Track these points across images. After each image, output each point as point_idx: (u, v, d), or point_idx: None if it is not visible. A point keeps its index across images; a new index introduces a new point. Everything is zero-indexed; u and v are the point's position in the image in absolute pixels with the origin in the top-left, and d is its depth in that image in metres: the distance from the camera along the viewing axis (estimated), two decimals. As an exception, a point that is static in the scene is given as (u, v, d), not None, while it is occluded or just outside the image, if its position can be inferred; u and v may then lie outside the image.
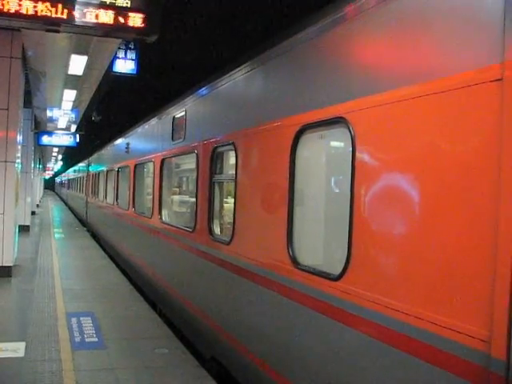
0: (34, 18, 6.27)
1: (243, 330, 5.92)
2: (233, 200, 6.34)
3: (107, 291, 11.19)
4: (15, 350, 7.04)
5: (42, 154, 42.53)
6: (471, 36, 3.00)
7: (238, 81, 6.50)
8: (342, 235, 4.07)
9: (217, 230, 7.23)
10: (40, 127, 25.13)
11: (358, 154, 3.92)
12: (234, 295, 6.23)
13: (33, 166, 25.65)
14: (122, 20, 6.48)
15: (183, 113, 8.72)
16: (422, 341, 3.17)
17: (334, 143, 4.84)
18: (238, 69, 6.40)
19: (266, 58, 5.73)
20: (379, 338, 3.56)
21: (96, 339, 7.73)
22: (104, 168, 20.18)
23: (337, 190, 4.60)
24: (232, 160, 6.68)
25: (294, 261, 4.75)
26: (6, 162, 12.12)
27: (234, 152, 6.33)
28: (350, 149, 3.99)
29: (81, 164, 35.78)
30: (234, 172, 6.25)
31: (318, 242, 5.07)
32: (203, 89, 7.84)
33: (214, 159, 7.09)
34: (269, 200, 5.47)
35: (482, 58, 2.88)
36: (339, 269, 4.04)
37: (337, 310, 4.06)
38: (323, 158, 5.14)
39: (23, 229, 20.50)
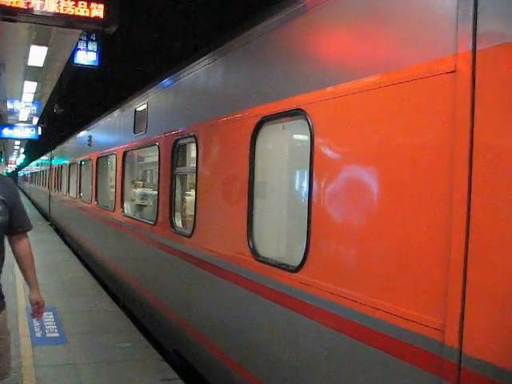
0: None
1: (205, 322, 5.92)
2: (194, 192, 6.34)
3: (69, 286, 11.06)
4: (-27, 346, 6.90)
5: (3, 147, 41.72)
6: (426, 28, 3.02)
7: (198, 73, 6.47)
8: (300, 227, 4.07)
9: (178, 222, 7.22)
10: (1, 120, 24.64)
11: (315, 146, 3.93)
12: (196, 288, 6.22)
13: (-6, 159, 25.18)
14: (81, 10, 6.38)
15: (145, 105, 8.66)
16: (378, 330, 3.22)
17: (293, 135, 4.84)
18: (199, 60, 6.36)
19: (226, 50, 5.71)
20: (337, 328, 3.60)
21: (57, 334, 7.64)
22: (66, 161, 19.89)
23: (296, 182, 4.62)
24: (193, 152, 6.66)
25: (254, 252, 4.76)
26: (-36, 155, 11.87)
27: (194, 144, 6.32)
28: (309, 141, 4.01)
29: (43, 157, 35.18)
30: (195, 164, 6.23)
31: (278, 234, 5.07)
32: (164, 81, 7.80)
33: (175, 151, 7.05)
34: (229, 192, 5.46)
35: (436, 50, 2.90)
36: (298, 260, 4.05)
37: (296, 301, 4.08)
38: (283, 151, 5.14)
39: (-16, 223, 20.06)
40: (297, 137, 4.59)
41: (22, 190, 69.95)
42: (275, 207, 5.17)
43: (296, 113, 4.20)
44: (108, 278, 11.25)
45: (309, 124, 3.99)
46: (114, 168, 11.05)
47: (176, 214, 7.21)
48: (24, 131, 23.67)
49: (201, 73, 6.40)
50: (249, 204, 4.86)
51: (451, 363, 2.68)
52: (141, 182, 10.62)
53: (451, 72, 2.76)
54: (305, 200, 4.02)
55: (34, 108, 20.19)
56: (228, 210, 5.45)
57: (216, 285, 5.59)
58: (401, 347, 3.04)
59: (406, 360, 3.01)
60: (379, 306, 3.20)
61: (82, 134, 16.34)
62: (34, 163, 49.96)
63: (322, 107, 3.87)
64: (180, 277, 6.74)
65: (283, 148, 5.17)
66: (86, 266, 13.71)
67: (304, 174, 4.12)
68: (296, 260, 4.11)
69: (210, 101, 6.08)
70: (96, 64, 13.16)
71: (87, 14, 6.42)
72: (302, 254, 4.00)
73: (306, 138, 4.10)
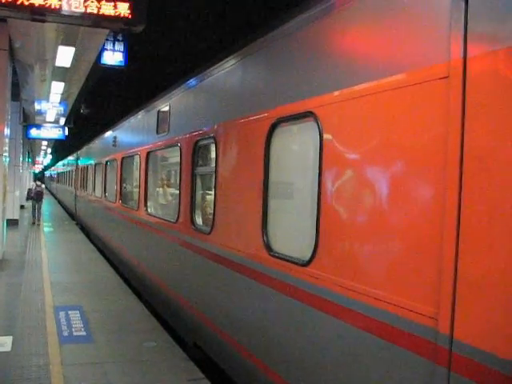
0: (20, 6, 6.17)
1: (223, 316, 6.09)
2: (213, 191, 6.54)
3: (96, 284, 11.13)
4: (2, 344, 6.98)
5: (31, 147, 42.26)
6: (423, 36, 3.24)
7: (217, 76, 6.67)
8: (311, 224, 4.29)
9: (198, 220, 7.40)
10: (28, 120, 24.95)
11: (324, 148, 4.14)
12: (215, 283, 6.40)
13: (21, 159, 25.49)
14: (108, 10, 6.40)
15: (167, 107, 8.90)
16: (380, 320, 3.44)
17: (305, 136, 4.90)
18: (218, 64, 6.61)
19: (243, 54, 5.92)
20: (343, 318, 3.82)
21: (84, 333, 7.68)
22: (92, 161, 20.14)
23: (307, 182, 4.70)
24: (212, 153, 6.85)
25: (269, 248, 4.98)
26: (-7, 155, 12.03)
27: (214, 145, 6.52)
28: (318, 142, 4.20)
29: (70, 157, 35.63)
30: (214, 164, 6.44)
31: (290, 231, 5.19)
32: (186, 83, 8.02)
33: (196, 152, 7.29)
34: (245, 191, 5.63)
35: (431, 57, 3.11)
36: (308, 255, 4.27)
37: (306, 293, 4.30)
38: (295, 151, 5.26)
39: (12, 223, 20.38)
40: (308, 137, 4.66)
41: (49, 190, 70.89)
42: (288, 205, 5.32)
43: (307, 115, 4.42)
44: (131, 275, 11.44)
45: (318, 125, 4.21)
46: (137, 168, 11.28)
47: (196, 212, 7.44)
48: (51, 131, 23.90)
49: (220, 76, 6.60)
50: (263, 202, 5.11)
51: (444, 349, 2.90)
52: (163, 182, 10.80)
53: (444, 78, 2.98)
54: (315, 198, 4.24)
55: (61, 108, 20.39)
56: (244, 208, 5.65)
57: (232, 280, 5.81)
58: (399, 334, 3.27)
59: (404, 346, 3.23)
60: (381, 297, 3.43)
61: (107, 134, 16.63)
62: (60, 163, 50.59)
63: (330, 110, 4.11)
64: (199, 272, 6.95)
65: (295, 149, 5.29)
66: (112, 264, 13.80)
67: (313, 174, 4.32)
68: (306, 255, 4.33)
69: (229, 103, 6.29)
70: (123, 64, 13.20)
71: (114, 14, 6.43)
72: (312, 249, 4.22)
73: (315, 139, 4.27)
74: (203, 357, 6.80)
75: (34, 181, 30.27)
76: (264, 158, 5.10)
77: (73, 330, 7.80)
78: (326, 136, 4.13)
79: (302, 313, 4.36)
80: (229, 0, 16.13)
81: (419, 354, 3.10)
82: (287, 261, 4.63)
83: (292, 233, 5.10)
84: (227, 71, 6.35)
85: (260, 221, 5.12)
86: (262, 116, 5.24)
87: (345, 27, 4.08)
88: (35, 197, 25.07)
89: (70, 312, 8.65)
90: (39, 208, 25.50)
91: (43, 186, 30.16)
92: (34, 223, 24.43)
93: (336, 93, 4.02)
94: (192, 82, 7.74)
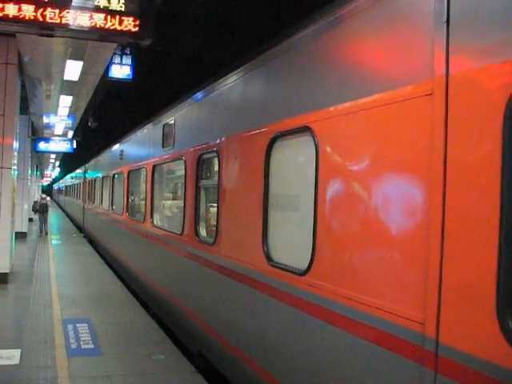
0: (29, 22, 6.25)
1: (225, 325, 6.21)
2: (216, 204, 6.71)
3: (103, 297, 11.13)
4: (10, 357, 6.98)
5: (39, 160, 42.47)
6: (410, 56, 3.45)
7: (219, 91, 6.88)
8: (309, 234, 4.44)
9: (203, 232, 7.55)
10: (37, 134, 25.09)
11: (320, 161, 4.33)
12: (218, 293, 6.52)
13: (30, 172, 25.62)
14: (116, 24, 6.46)
15: (172, 121, 9.12)
16: (373, 326, 3.58)
17: (303, 150, 5.02)
18: (219, 81, 6.85)
19: (243, 71, 6.12)
20: (339, 325, 3.96)
21: (92, 346, 7.68)
22: (100, 174, 20.27)
23: (305, 194, 4.80)
24: (215, 166, 7.02)
25: (269, 258, 5.15)
26: (2, 168, 12.10)
27: (217, 159, 6.71)
28: (314, 155, 4.39)
29: (78, 170, 35.81)
30: (217, 177, 6.64)
31: (289, 242, 5.31)
32: (189, 98, 8.25)
33: (200, 165, 7.50)
34: (247, 203, 5.81)
35: (418, 75, 3.32)
36: (306, 265, 4.43)
37: (304, 301, 4.47)
38: (294, 165, 5.39)
39: (20, 235, 20.45)
40: (305, 151, 4.81)
41: (57, 203, 71.17)
42: (287, 216, 5.48)
43: (304, 130, 4.61)
44: (139, 287, 11.51)
45: (314, 140, 4.41)
46: (144, 181, 11.48)
47: (200, 223, 7.61)
48: (59, 145, 24.02)
49: (221, 91, 6.83)
50: (264, 213, 5.30)
51: (430, 352, 3.05)
52: (169, 195, 10.97)
53: (429, 94, 3.18)
54: (311, 210, 4.39)
55: (70, 122, 20.52)
56: (246, 220, 5.83)
57: (235, 289, 5.97)
58: (390, 339, 3.42)
59: (396, 351, 3.37)
60: (374, 304, 3.58)
61: (114, 148, 16.83)
62: (68, 176, 50.82)
63: (325, 125, 4.31)
64: (203, 282, 7.11)
65: (293, 162, 5.42)
66: (119, 277, 13.81)
67: (310, 187, 4.47)
68: (304, 265, 4.48)
69: (231, 118, 6.52)
70: (130, 78, 13.30)
71: (122, 28, 6.50)
72: (309, 259, 4.38)
73: (312, 152, 4.44)
74: (209, 366, 6.82)
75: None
76: (264, 172, 5.29)
77: (81, 342, 7.80)
78: (321, 149, 4.33)
79: (300, 320, 4.52)
80: (235, 14, 16.23)
81: (409, 357, 3.24)
82: (285, 270, 4.80)
83: (291, 243, 5.22)
84: (229, 87, 6.56)
85: (260, 231, 5.29)
86: (261, 131, 5.44)
87: (337, 48, 4.33)
88: (40, 209, 25.46)
89: (78, 325, 8.64)
90: (45, 219, 25.99)
91: (48, 198, 30.62)
92: (41, 235, 25.07)
93: (330, 109, 4.23)
94: (195, 97, 7.97)
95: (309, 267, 4.39)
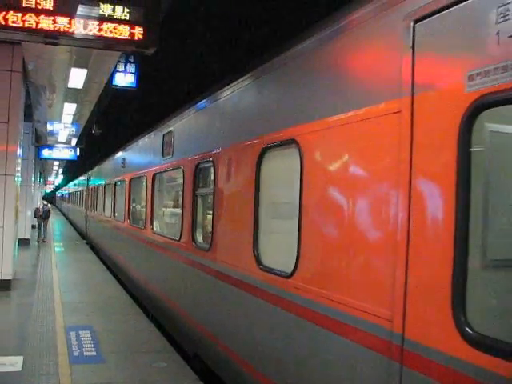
0: (34, 30, 6.29)
1: (220, 327, 6.45)
2: (211, 211, 7.03)
3: (106, 304, 11.14)
4: (13, 364, 6.98)
5: (42, 167, 42.57)
6: (383, 77, 3.75)
7: (215, 104, 7.21)
8: (295, 239, 4.73)
9: (199, 238, 7.88)
10: (41, 141, 25.17)
11: (304, 171, 4.64)
12: (213, 296, 6.78)
13: (33, 179, 25.67)
14: (120, 33, 6.50)
15: (172, 131, 9.41)
16: (349, 324, 3.86)
17: (289, 162, 5.22)
18: (214, 94, 7.23)
19: (236, 86, 6.44)
20: (320, 324, 4.24)
21: (95, 353, 7.68)
22: (102, 182, 20.37)
23: (290, 202, 5.07)
24: (211, 175, 7.31)
25: (259, 262, 5.43)
26: (5, 175, 12.12)
27: (212, 168, 7.05)
28: (299, 166, 4.69)
29: (80, 178, 35.89)
30: (213, 186, 6.98)
31: (277, 246, 5.66)
32: (187, 110, 8.58)
33: (197, 174, 7.86)
34: (239, 211, 6.16)
35: (389, 94, 3.61)
36: (291, 268, 4.72)
37: (289, 302, 4.73)
38: (281, 175, 5.68)
39: (23, 242, 20.48)
40: (291, 163, 5.04)
41: (60, 210, 71.19)
42: (275, 223, 5.80)
43: (290, 142, 4.92)
44: (140, 293, 11.62)
45: (299, 152, 4.72)
46: (144, 189, 11.74)
47: (197, 230, 7.95)
48: (63, 152, 24.11)
49: (217, 104, 7.16)
50: (254, 221, 5.59)
51: (397, 346, 3.33)
52: (168, 202, 11.17)
53: (398, 112, 3.47)
54: (296, 217, 4.69)
55: (73, 129, 20.60)
56: (238, 226, 6.15)
57: (228, 292, 6.24)
58: (363, 335, 3.70)
59: (369, 346, 3.64)
60: (349, 303, 3.87)
61: (117, 156, 17.02)
62: (71, 183, 50.93)
63: (307, 138, 4.65)
64: (199, 286, 7.44)
65: (281, 173, 5.71)
66: (122, 284, 13.82)
67: (296, 195, 4.75)
68: (290, 268, 4.76)
69: (225, 130, 6.86)
70: (134, 85, 13.39)
71: (126, 36, 6.53)
72: (294, 262, 4.67)
73: (297, 163, 4.74)
74: (205, 368, 6.93)
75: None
76: (255, 181, 5.61)
77: (83, 350, 7.80)
78: (304, 161, 4.64)
79: (286, 320, 4.80)
80: (238, 23, 16.31)
81: (380, 352, 3.52)
82: (273, 273, 5.10)
83: (279, 248, 5.55)
84: (223, 100, 6.88)
85: (251, 237, 5.57)
86: (252, 143, 5.75)
87: (319, 68, 4.65)
88: (43, 215, 25.41)
89: (80, 332, 8.65)
90: (45, 226, 25.97)
91: (49, 205, 30.75)
92: (38, 240, 24.79)
93: (313, 123, 4.56)
94: (192, 108, 8.34)
95: (294, 270, 4.67)
